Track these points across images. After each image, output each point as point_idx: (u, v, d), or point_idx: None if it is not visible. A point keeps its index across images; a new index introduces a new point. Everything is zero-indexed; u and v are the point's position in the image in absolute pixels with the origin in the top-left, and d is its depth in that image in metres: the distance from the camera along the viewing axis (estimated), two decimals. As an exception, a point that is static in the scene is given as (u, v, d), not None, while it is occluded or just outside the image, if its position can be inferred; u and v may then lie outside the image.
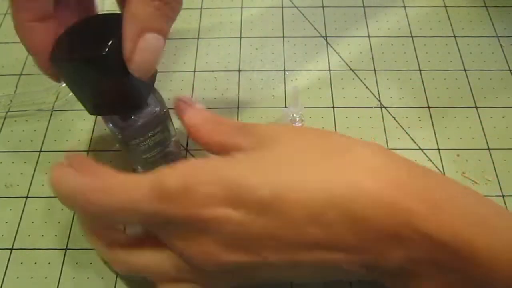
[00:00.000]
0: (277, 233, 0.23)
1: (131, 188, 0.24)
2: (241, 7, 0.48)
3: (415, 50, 0.44)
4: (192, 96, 0.42)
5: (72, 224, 0.35)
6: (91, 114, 0.31)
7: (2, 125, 0.41)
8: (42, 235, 0.35)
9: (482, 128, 0.39)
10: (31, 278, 0.33)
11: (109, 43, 0.25)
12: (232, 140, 0.27)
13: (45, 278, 0.33)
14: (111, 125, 0.32)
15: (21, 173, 0.38)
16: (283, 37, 0.45)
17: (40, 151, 0.39)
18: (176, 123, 0.34)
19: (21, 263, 0.34)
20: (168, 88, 0.42)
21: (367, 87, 0.42)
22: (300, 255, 0.23)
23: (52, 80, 0.30)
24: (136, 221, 0.26)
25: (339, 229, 0.22)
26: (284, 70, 0.43)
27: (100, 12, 0.31)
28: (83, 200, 0.25)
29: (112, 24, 0.26)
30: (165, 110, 0.33)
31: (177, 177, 0.23)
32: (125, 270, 0.29)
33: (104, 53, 0.25)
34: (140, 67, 0.26)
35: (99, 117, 0.40)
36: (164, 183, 0.23)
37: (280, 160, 0.24)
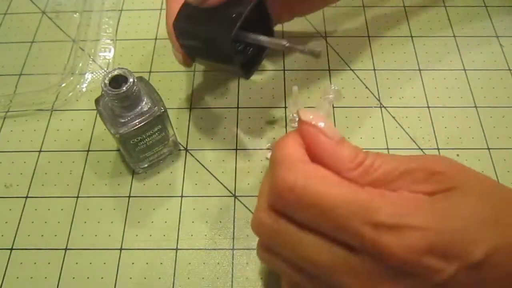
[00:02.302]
0: None
1: (346, 197, 0.22)
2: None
3: (415, 50, 0.44)
4: (192, 96, 0.42)
5: (71, 224, 0.35)
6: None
7: (2, 125, 0.41)
8: (42, 235, 0.35)
9: (482, 128, 0.39)
10: (31, 278, 0.33)
11: None
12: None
13: (45, 278, 0.33)
14: (110, 124, 0.32)
15: (21, 173, 0.38)
16: (283, 37, 0.45)
17: (40, 151, 0.39)
18: (174, 122, 0.34)
19: (21, 263, 0.34)
20: (168, 88, 0.42)
21: (367, 87, 0.42)
22: None
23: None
24: (329, 230, 0.23)
25: None
26: (284, 70, 0.43)
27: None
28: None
29: None
30: (163, 109, 0.33)
31: (391, 211, 0.22)
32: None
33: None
34: None
35: (99, 117, 0.40)
36: (380, 213, 0.22)
37: (483, 214, 0.23)
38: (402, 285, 0.22)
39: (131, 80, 0.31)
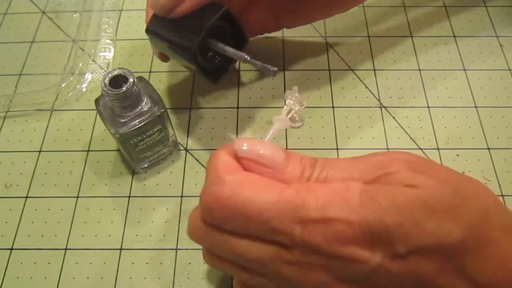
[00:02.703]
0: (409, 280, 0.22)
1: (272, 198, 0.23)
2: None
3: (415, 50, 0.44)
4: (192, 96, 0.42)
5: (71, 224, 0.35)
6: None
7: (2, 125, 0.41)
8: (42, 235, 0.35)
9: (482, 128, 0.39)
10: (31, 278, 0.33)
11: None
12: None
13: (45, 278, 0.33)
14: (110, 124, 0.32)
15: (21, 173, 0.38)
16: (283, 36, 0.45)
17: (40, 151, 0.39)
18: (174, 122, 0.34)
19: (21, 263, 0.34)
20: (168, 88, 0.42)
21: (367, 87, 0.42)
22: None
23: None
24: (259, 234, 0.24)
25: None
26: (284, 70, 0.43)
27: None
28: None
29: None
30: (163, 109, 0.33)
31: (316, 205, 0.22)
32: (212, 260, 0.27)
33: None
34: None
35: (99, 117, 0.40)
36: (306, 208, 0.22)
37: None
38: (333, 273, 0.23)
39: (131, 80, 0.31)
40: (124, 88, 0.31)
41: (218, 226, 0.24)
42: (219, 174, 0.24)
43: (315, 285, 0.23)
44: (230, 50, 0.32)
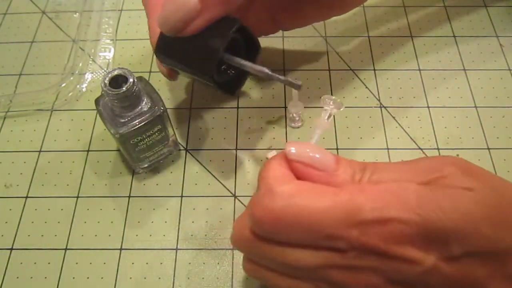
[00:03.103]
0: (461, 284, 0.22)
1: (326, 204, 0.22)
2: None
3: (415, 50, 0.44)
4: (192, 96, 0.42)
5: (71, 224, 0.35)
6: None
7: (2, 125, 0.41)
8: (42, 235, 0.35)
9: (482, 128, 0.39)
10: (31, 278, 0.33)
11: None
12: None
13: (45, 278, 0.33)
14: (110, 124, 0.32)
15: (21, 173, 0.38)
16: (283, 36, 0.45)
17: (40, 151, 0.39)
18: (174, 122, 0.34)
19: (21, 263, 0.34)
20: (168, 88, 0.42)
21: (367, 87, 0.42)
22: None
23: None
24: (313, 242, 0.23)
25: None
26: (284, 69, 0.43)
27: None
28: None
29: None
30: (162, 109, 0.33)
31: (372, 206, 0.22)
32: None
33: None
34: (161, 18, 0.28)
35: (99, 117, 0.40)
36: (361, 210, 0.22)
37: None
38: (386, 274, 0.22)
39: (131, 80, 0.31)
40: (124, 88, 0.31)
41: (268, 238, 0.24)
42: (271, 186, 0.23)
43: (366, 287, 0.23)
44: (248, 64, 0.31)
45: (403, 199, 0.22)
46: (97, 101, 0.33)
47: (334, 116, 0.37)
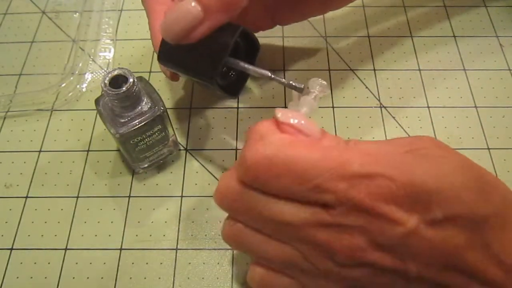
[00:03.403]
0: (440, 250, 0.22)
1: (317, 156, 0.23)
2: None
3: (415, 50, 0.44)
4: (192, 96, 0.42)
5: (71, 224, 0.35)
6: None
7: (2, 125, 0.41)
8: (42, 235, 0.35)
9: (482, 128, 0.39)
10: (31, 278, 0.33)
11: None
12: None
13: (45, 278, 0.33)
14: (110, 124, 0.32)
15: (21, 173, 0.38)
16: (283, 36, 0.45)
17: (40, 151, 0.39)
18: (174, 122, 0.34)
19: (21, 263, 0.34)
20: (168, 88, 0.42)
21: (367, 87, 0.42)
22: (445, 276, 0.23)
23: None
24: (301, 194, 0.23)
25: None
26: (284, 70, 0.43)
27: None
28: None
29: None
30: (163, 109, 0.33)
31: (361, 161, 0.22)
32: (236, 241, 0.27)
33: None
34: (164, 26, 0.28)
35: (99, 117, 0.40)
36: (351, 165, 0.22)
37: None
38: (369, 235, 0.23)
39: (131, 80, 0.31)
40: (124, 88, 0.31)
41: (256, 188, 0.24)
42: (263, 135, 0.24)
43: (349, 250, 0.23)
44: (251, 68, 0.31)
45: (389, 158, 0.23)
46: (97, 101, 0.33)
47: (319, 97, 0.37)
